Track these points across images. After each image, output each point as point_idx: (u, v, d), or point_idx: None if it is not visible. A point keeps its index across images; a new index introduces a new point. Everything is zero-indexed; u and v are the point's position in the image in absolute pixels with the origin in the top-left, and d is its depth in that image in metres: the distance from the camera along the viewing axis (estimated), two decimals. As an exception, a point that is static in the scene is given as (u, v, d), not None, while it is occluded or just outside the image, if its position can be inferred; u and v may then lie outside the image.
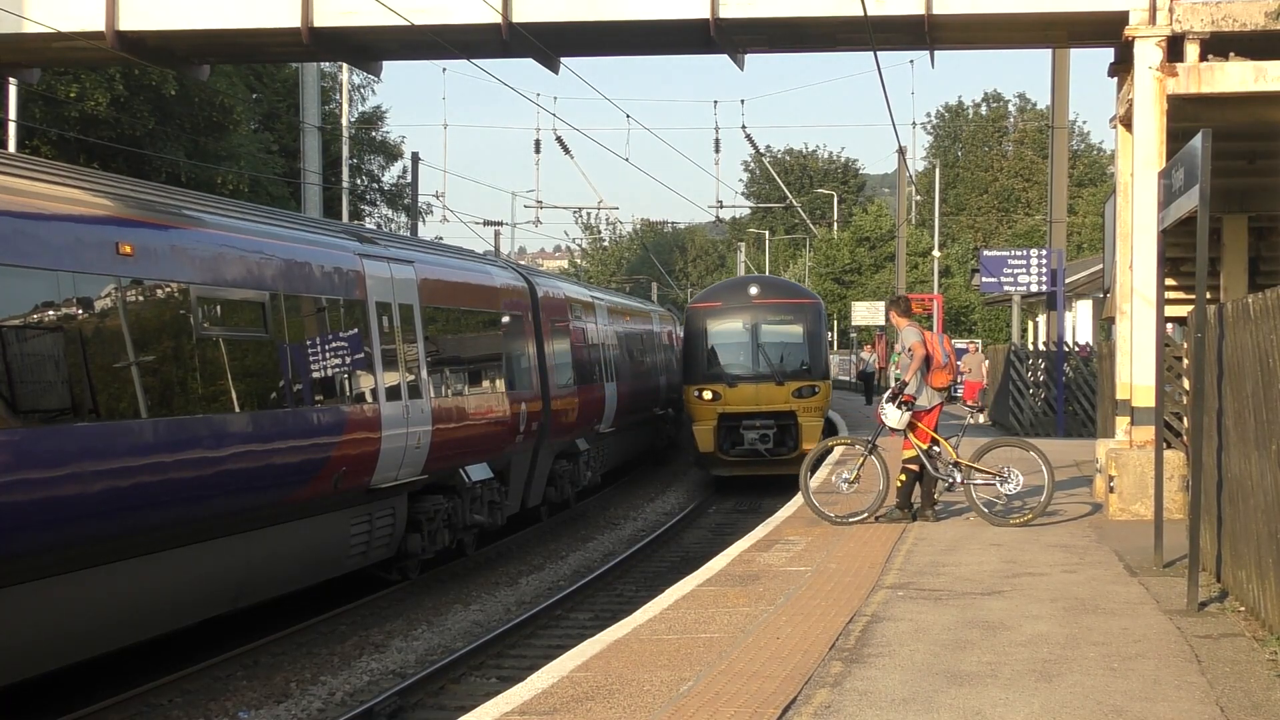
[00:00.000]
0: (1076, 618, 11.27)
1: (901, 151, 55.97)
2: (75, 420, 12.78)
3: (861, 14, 17.29)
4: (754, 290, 33.27)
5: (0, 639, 12.07)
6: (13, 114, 30.42)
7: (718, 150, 57.56)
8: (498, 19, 18.69)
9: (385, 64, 22.68)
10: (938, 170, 71.89)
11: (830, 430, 35.43)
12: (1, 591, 11.98)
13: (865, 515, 16.94)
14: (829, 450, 19.34)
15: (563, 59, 20.86)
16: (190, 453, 14.40)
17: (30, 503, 12.11)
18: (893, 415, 16.78)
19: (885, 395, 17.28)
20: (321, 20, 19.11)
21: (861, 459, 17.20)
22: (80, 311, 13.15)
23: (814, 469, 17.97)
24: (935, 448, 17.05)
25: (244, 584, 16.03)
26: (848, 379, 64.66)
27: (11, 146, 30.21)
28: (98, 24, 19.29)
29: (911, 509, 17.29)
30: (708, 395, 31.57)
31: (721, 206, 64.47)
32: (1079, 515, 17.75)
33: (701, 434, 31.79)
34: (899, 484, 17.24)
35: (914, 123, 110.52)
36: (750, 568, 14.07)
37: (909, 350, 16.94)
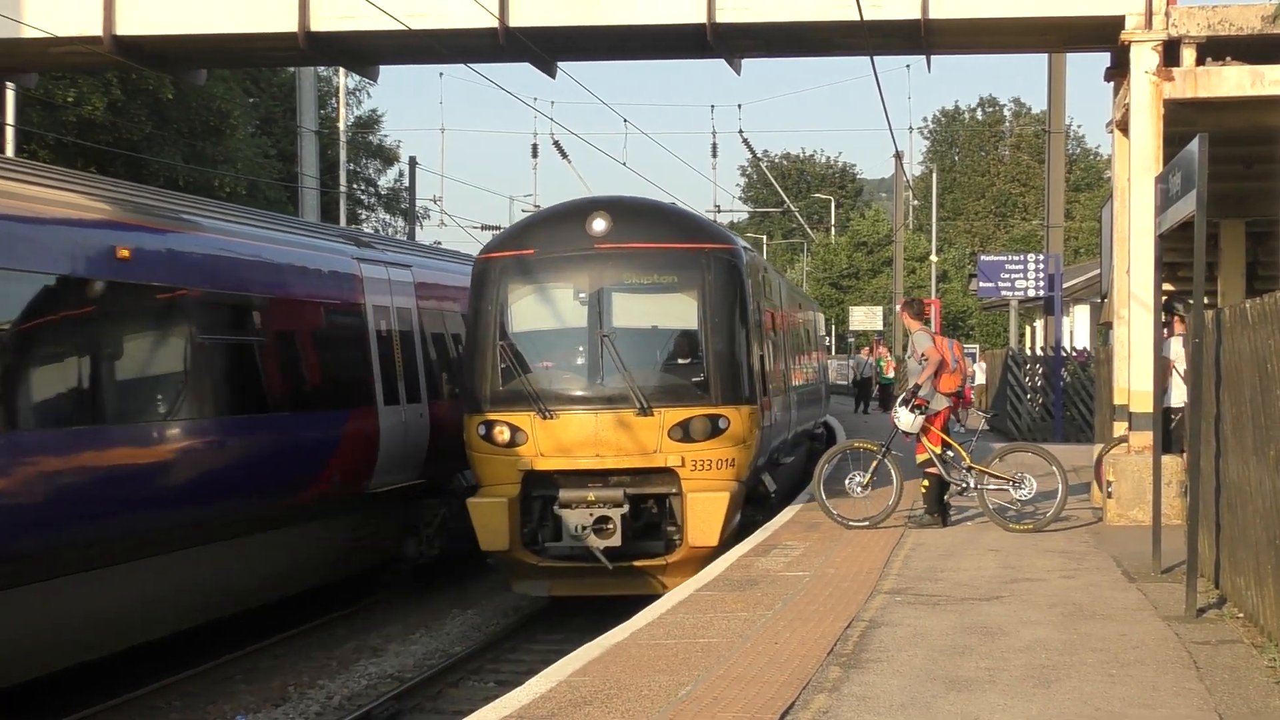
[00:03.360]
0: (1075, 624, 11.26)
1: (898, 156, 56.08)
2: (73, 425, 12.77)
3: (858, 18, 17.29)
4: (599, 225, 17.35)
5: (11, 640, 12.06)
6: (10, 118, 30.36)
7: (715, 154, 57.87)
8: (494, 23, 18.68)
9: (382, 68, 22.66)
10: (935, 175, 71.98)
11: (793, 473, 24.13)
12: (14, 591, 11.98)
13: (879, 518, 16.89)
14: (851, 448, 18.04)
15: (560, 63, 20.84)
16: (185, 457, 14.39)
17: (31, 507, 12.10)
18: (906, 419, 16.78)
19: (899, 399, 17.30)
20: (318, 25, 19.10)
21: (875, 462, 17.18)
22: (78, 315, 13.14)
23: (829, 464, 17.68)
24: (948, 452, 17.06)
25: (244, 588, 16.05)
26: (845, 383, 64.52)
27: (9, 151, 30.17)
28: (94, 29, 19.27)
29: (945, 513, 17.30)
30: (500, 436, 16.90)
31: (719, 211, 64.45)
32: (1077, 521, 17.73)
33: (487, 513, 16.82)
34: (923, 489, 17.26)
35: (911, 127, 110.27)
36: (748, 573, 14.06)
37: (922, 355, 16.93)
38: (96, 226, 13.59)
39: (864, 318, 70.06)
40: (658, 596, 13.71)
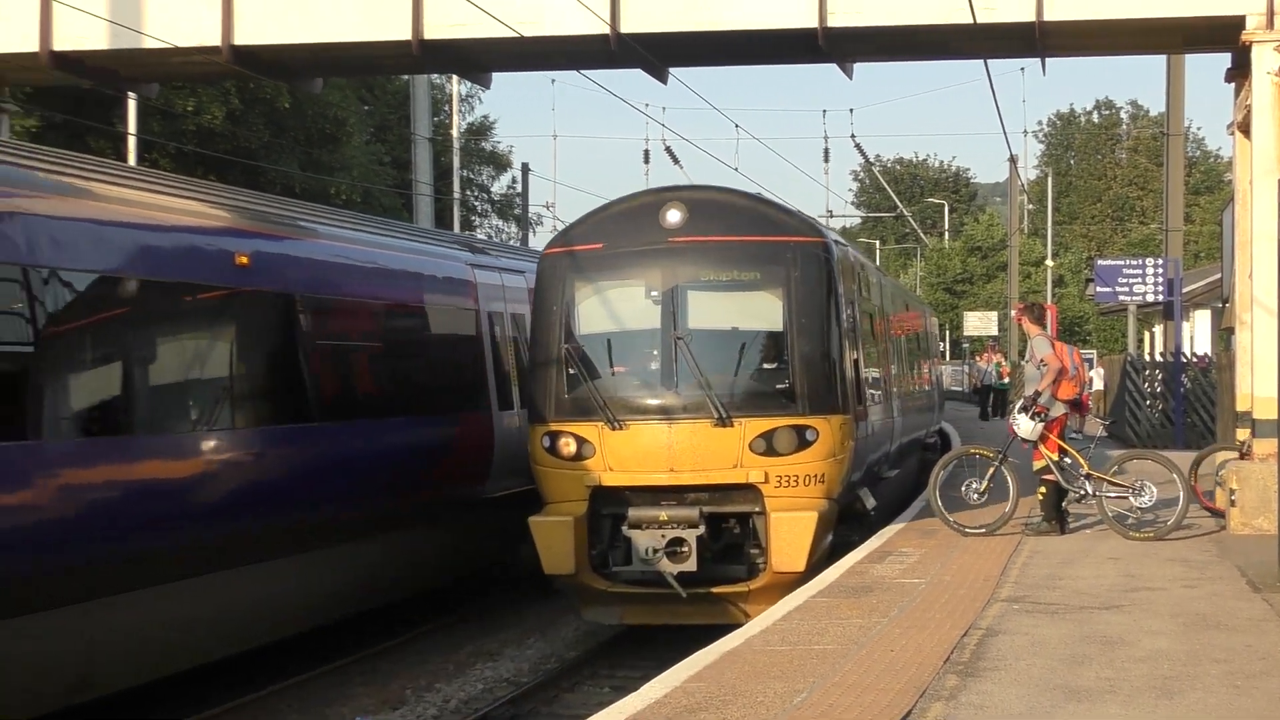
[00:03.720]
0: (1197, 634, 11.06)
1: (1013, 160, 55.50)
2: (200, 429, 12.97)
3: (971, 21, 17.13)
4: (674, 217, 16.05)
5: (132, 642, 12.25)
6: (132, 128, 30.94)
7: (827, 159, 57.69)
8: (605, 30, 18.73)
9: (494, 75, 22.80)
10: (1050, 178, 71.19)
11: (903, 492, 23.06)
12: (142, 592, 12.18)
13: (996, 525, 16.72)
14: (967, 454, 17.73)
15: (671, 69, 20.86)
16: (314, 460, 14.61)
17: (157, 508, 12.31)
18: (1025, 426, 16.59)
19: (1017, 406, 17.09)
20: (432, 33, 19.25)
21: (992, 469, 16.99)
22: (200, 322, 13.36)
23: (944, 470, 17.54)
24: (1066, 458, 16.86)
25: (371, 587, 16.24)
26: (959, 389, 63.91)
27: (132, 160, 30.72)
28: (214, 39, 19.56)
29: (1063, 521, 17.10)
30: (567, 448, 15.73)
31: (831, 216, 64.28)
32: (1199, 529, 17.43)
33: (550, 533, 15.59)
34: (1041, 496, 17.06)
35: (1025, 130, 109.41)
36: (863, 579, 13.97)
37: (1041, 361, 16.72)
38: (216, 234, 13.80)
39: (978, 323, 69.44)
40: (738, 625, 12.52)
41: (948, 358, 76.90)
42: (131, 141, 31.14)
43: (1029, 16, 18.03)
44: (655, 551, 15.17)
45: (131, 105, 30.83)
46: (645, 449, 15.43)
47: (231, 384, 13.71)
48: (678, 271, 15.95)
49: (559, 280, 16.13)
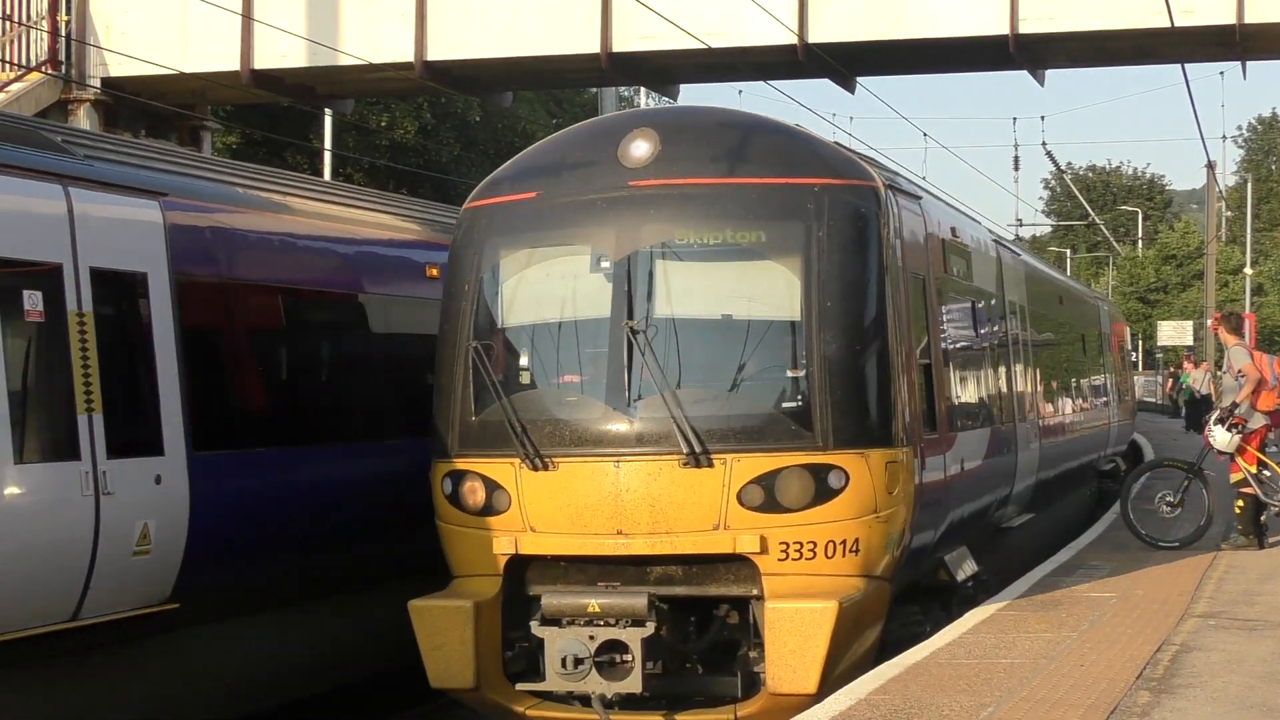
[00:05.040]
0: (1403, 653, 10.71)
1: (1210, 166, 54.13)
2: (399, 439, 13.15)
3: (1168, 25, 16.82)
4: (640, 150, 11.01)
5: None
6: (328, 143, 31.72)
7: (1017, 168, 56.41)
8: (793, 40, 18.76)
9: (682, 86, 22.95)
10: (1249, 184, 69.37)
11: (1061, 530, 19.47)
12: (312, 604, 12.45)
13: (1190, 539, 16.38)
14: (1160, 466, 17.01)
15: (859, 78, 20.81)
16: None
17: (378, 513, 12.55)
18: (1222, 438, 16.21)
19: (1213, 417, 16.73)
20: (620, 45, 19.47)
21: (1186, 481, 16.64)
22: (395, 332, 13.63)
23: (1137, 482, 17.20)
24: (1264, 471, 16.45)
25: None
26: (1153, 400, 62.53)
27: (326, 174, 31.48)
28: (407, 55, 20.00)
29: (1261, 535, 16.70)
30: (472, 496, 10.85)
31: (1021, 224, 63.23)
32: None
33: (437, 625, 10.62)
34: (1238, 510, 16.68)
35: (1224, 136, 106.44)
36: (1052, 592, 13.76)
37: (1240, 371, 16.34)
38: (408, 246, 14.09)
39: (1173, 333, 67.92)
40: None
41: (1140, 368, 75.30)
42: (327, 156, 31.92)
43: (1229, 19, 17.68)
44: (579, 662, 10.27)
45: (327, 121, 31.62)
46: (581, 500, 10.46)
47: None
48: (640, 231, 10.82)
49: (472, 246, 11.27)
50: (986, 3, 18.60)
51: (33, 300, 9.86)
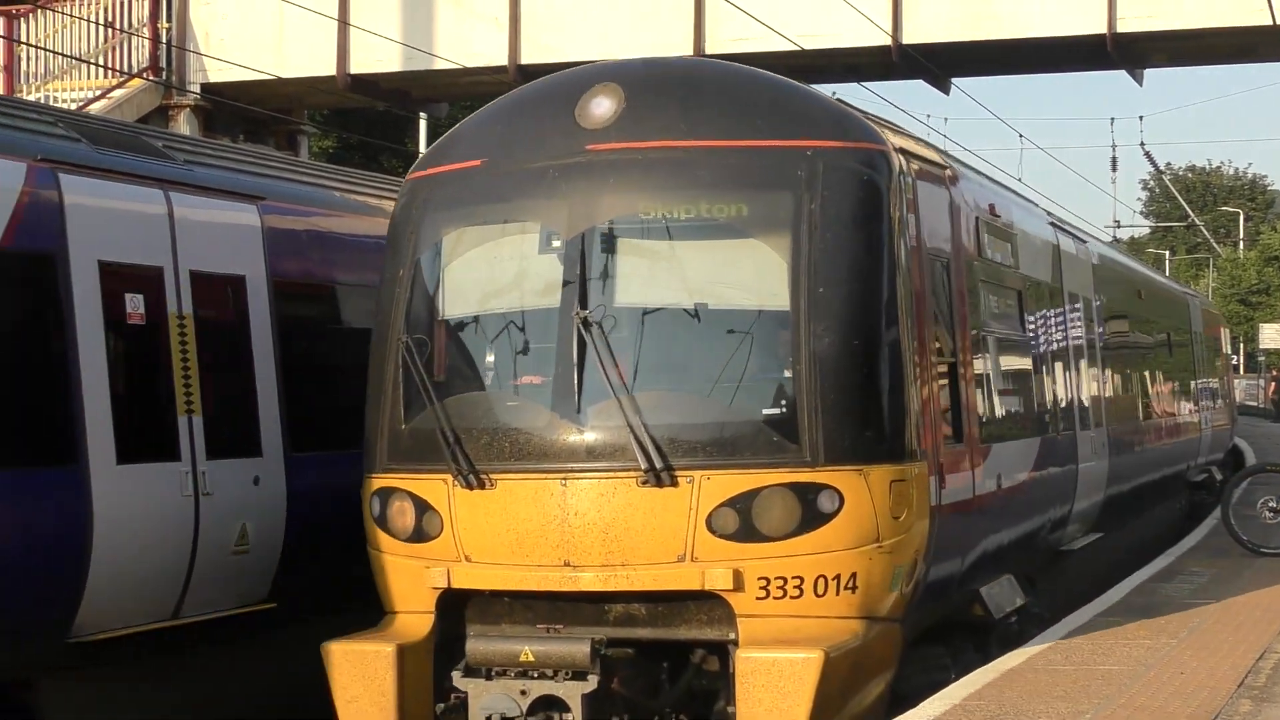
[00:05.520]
0: None
1: (1314, 165, 53.20)
2: None
3: (1271, 23, 16.57)
4: (601, 107, 9.42)
5: None
6: (422, 146, 31.96)
7: (1114, 169, 55.93)
8: (887, 41, 18.68)
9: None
10: (1354, 184, 68.10)
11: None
12: None
13: None
14: (1263, 471, 16.52)
15: (953, 79, 20.69)
16: None
17: None
18: None
19: None
20: (712, 48, 19.48)
21: None
22: None
23: (1238, 488, 16.91)
24: None
25: None
26: (1254, 403, 61.58)
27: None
28: (500, 58, 20.14)
29: None
30: (401, 517, 9.36)
31: (1119, 226, 62.73)
32: None
33: (354, 672, 9.06)
34: None
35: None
36: (1151, 599, 13.59)
37: None
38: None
39: (1275, 335, 66.97)
40: None
41: (1241, 371, 74.26)
42: (422, 159, 32.15)
43: (1333, 16, 17.38)
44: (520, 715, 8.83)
45: (422, 125, 31.87)
46: (522, 525, 8.96)
47: None
48: (597, 204, 9.30)
49: (409, 224, 9.84)
50: (1084, 2, 18.44)
51: (134, 303, 10.01)
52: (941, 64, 19.83)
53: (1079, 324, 14.92)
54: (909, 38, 18.83)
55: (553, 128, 9.53)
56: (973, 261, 11.16)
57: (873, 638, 9.07)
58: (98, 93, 21.78)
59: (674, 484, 8.79)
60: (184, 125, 21.97)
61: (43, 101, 19.56)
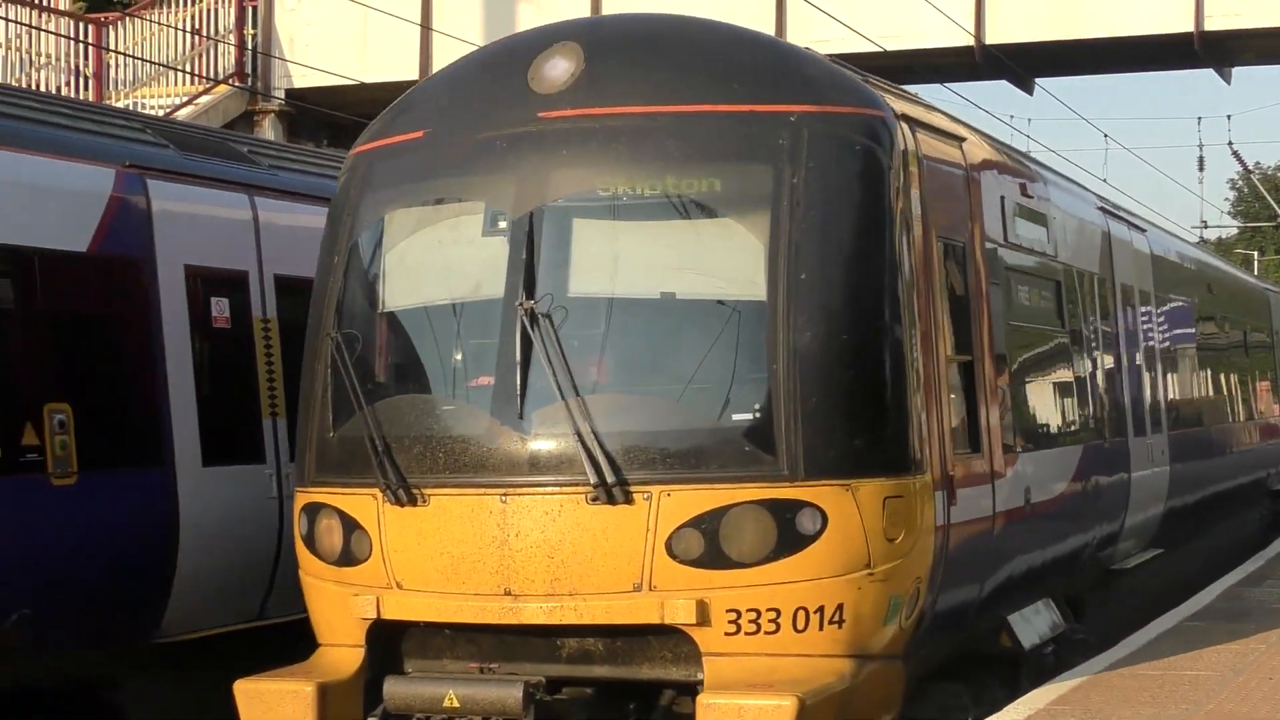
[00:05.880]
0: None
1: (1407, 164, 52.40)
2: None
3: (1362, 19, 16.34)
4: (558, 69, 8.25)
5: None
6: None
7: (1201, 169, 55.58)
8: (970, 41, 18.58)
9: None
10: None
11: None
12: None
13: None
14: None
15: (1037, 79, 20.55)
16: None
17: None
18: None
19: None
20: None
21: None
22: None
23: None
24: None
25: None
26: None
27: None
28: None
29: None
30: (328, 537, 8.19)
31: (1206, 227, 61.98)
32: None
33: (272, 711, 7.83)
34: None
35: None
36: (1239, 604, 13.43)
37: None
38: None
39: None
40: None
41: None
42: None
43: None
44: None
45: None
46: (458, 548, 7.84)
47: None
48: (549, 179, 8.17)
49: (346, 205, 8.77)
50: (1170, 1, 18.27)
51: (220, 307, 10.13)
52: (1025, 64, 19.71)
53: (1132, 319, 13.61)
54: (992, 38, 18.72)
55: (503, 94, 8.40)
56: (997, 247, 9.95)
57: (864, 678, 7.88)
58: (184, 99, 22.05)
59: (629, 501, 7.66)
60: (269, 131, 22.21)
61: (131, 108, 19.84)
